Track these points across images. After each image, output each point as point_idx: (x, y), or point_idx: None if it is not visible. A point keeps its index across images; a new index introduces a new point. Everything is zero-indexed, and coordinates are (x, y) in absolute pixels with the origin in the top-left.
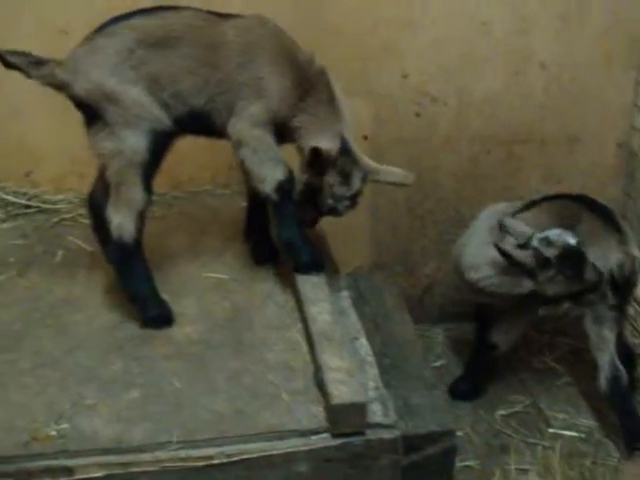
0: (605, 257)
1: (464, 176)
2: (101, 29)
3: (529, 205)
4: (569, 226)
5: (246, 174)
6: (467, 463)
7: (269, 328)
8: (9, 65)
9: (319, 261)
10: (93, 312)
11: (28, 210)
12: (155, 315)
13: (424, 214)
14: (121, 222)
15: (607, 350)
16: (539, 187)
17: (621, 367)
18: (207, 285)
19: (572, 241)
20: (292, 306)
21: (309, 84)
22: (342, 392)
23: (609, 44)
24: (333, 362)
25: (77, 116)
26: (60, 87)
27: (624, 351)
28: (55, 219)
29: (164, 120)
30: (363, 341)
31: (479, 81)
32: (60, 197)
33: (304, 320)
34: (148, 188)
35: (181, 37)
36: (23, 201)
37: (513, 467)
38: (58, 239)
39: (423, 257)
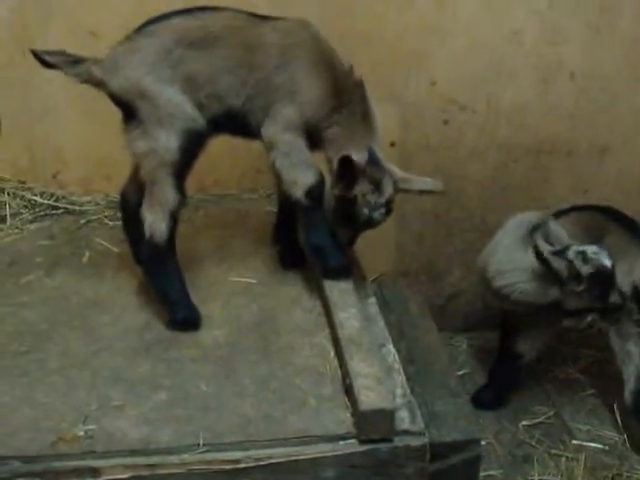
0: (630, 271)
1: (491, 185)
2: (141, 29)
3: (556, 214)
4: (596, 237)
5: (277, 177)
6: (490, 472)
7: (296, 333)
8: (46, 64)
9: (347, 267)
10: (120, 313)
11: (55, 211)
12: (182, 318)
13: (450, 222)
14: (153, 221)
15: (632, 364)
16: (566, 197)
17: None
18: (234, 289)
19: (607, 262)
20: (319, 311)
21: (345, 96)
22: (370, 398)
23: (639, 54)
24: (361, 368)
25: (105, 118)
26: (97, 84)
27: None
28: (82, 220)
29: (198, 120)
30: (390, 348)
31: (508, 90)
32: (87, 199)
33: (331, 326)
34: (180, 188)
35: (219, 37)
36: (50, 202)
37: (536, 478)
38: (85, 240)
39: (448, 265)
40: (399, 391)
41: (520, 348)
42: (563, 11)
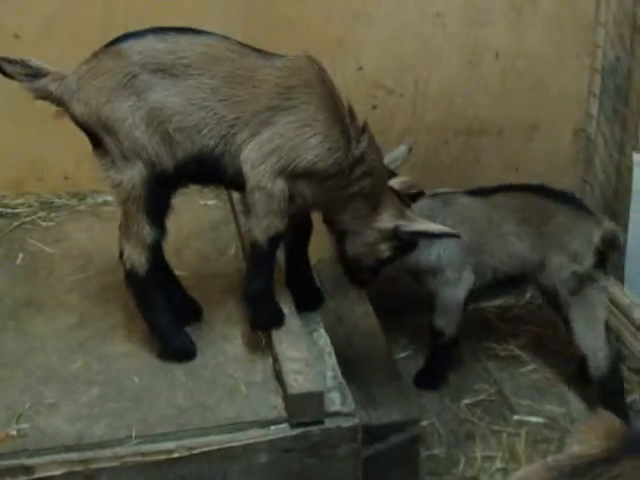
0: (589, 241)
1: (422, 167)
2: (108, 46)
3: (481, 193)
4: (542, 222)
5: (247, 214)
6: (433, 452)
7: (228, 322)
8: (5, 74)
9: (279, 320)
10: (53, 313)
11: None
12: (175, 348)
13: None
14: (131, 254)
15: (597, 331)
16: (498, 175)
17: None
18: None
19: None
20: None
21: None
22: (299, 382)
23: (562, 31)
24: (290, 353)
25: (36, 119)
26: (57, 104)
27: None
28: (15, 223)
29: (164, 157)
30: (322, 332)
31: (434, 72)
32: (20, 201)
33: None
34: (156, 223)
35: (195, 66)
36: None
37: (479, 454)
38: (18, 242)
39: None
40: (330, 373)
41: (437, 325)
42: None
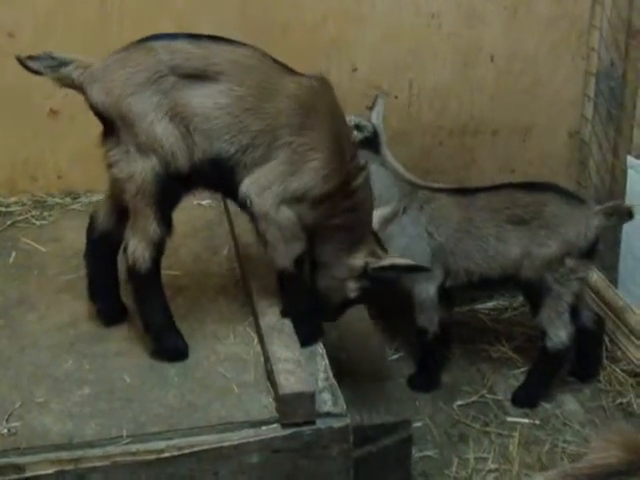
0: (585, 229)
1: (417, 168)
2: (141, 42)
3: (468, 191)
4: (532, 215)
5: (263, 244)
6: (426, 453)
7: (220, 322)
8: (31, 71)
9: (319, 336)
10: (45, 311)
11: None
12: (168, 347)
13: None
14: (135, 249)
15: (562, 305)
16: (493, 177)
17: None
18: None
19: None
20: (243, 300)
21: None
22: (290, 382)
23: (557, 35)
24: (282, 353)
25: (30, 119)
26: (79, 90)
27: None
28: (8, 221)
29: (179, 157)
30: None
31: (429, 74)
32: (13, 199)
33: (254, 314)
34: (163, 220)
35: (224, 72)
36: None
37: (471, 456)
38: (11, 241)
39: None
40: (321, 375)
41: (419, 323)
42: None
